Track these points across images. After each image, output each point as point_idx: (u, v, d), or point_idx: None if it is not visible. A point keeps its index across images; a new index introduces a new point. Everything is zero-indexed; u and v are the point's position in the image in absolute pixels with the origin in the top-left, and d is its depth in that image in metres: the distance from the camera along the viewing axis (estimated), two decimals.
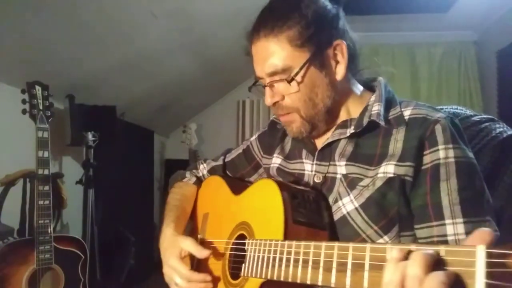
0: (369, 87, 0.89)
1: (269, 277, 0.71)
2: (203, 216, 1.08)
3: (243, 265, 0.80)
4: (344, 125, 0.84)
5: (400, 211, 0.73)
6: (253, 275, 0.76)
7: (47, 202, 1.63)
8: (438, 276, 0.43)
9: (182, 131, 3.78)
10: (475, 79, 3.62)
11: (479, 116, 0.97)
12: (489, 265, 0.40)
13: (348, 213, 0.76)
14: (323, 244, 0.62)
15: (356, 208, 0.76)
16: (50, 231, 1.61)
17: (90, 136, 2.41)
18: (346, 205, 0.77)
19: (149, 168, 3.91)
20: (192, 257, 0.97)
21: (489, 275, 0.40)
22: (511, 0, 2.96)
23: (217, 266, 0.91)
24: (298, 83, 0.79)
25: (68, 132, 2.31)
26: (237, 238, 0.88)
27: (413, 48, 3.75)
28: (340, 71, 0.81)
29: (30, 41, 1.85)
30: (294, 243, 0.68)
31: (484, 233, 0.43)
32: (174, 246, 0.92)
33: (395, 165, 0.74)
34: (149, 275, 3.51)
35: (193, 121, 3.89)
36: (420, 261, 0.45)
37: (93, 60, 2.27)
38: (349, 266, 0.56)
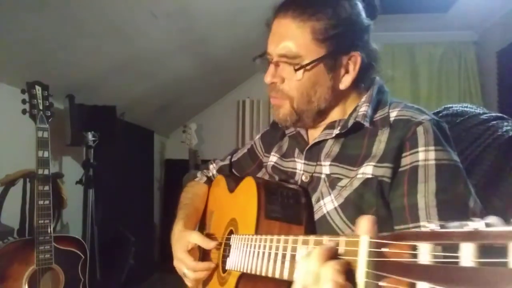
0: (367, 87, 0.88)
1: (243, 269, 0.76)
2: (209, 214, 1.14)
3: (227, 259, 0.86)
4: (332, 125, 0.85)
5: (379, 212, 0.73)
6: (233, 269, 0.81)
7: (47, 202, 1.62)
8: (332, 264, 0.45)
9: (182, 131, 3.78)
10: (475, 79, 3.62)
11: (488, 114, 0.96)
12: (370, 254, 0.41)
13: (328, 212, 0.78)
14: (275, 237, 0.65)
15: (335, 208, 0.77)
16: (50, 231, 1.61)
17: (90, 136, 2.41)
18: (327, 204, 0.78)
19: (149, 168, 3.91)
20: (199, 251, 1.04)
21: (369, 265, 0.41)
22: (511, 0, 2.96)
23: (214, 260, 0.97)
24: (303, 74, 0.79)
25: (68, 132, 2.31)
26: (228, 234, 0.93)
27: (413, 48, 3.76)
28: (345, 81, 0.81)
29: (30, 41, 1.85)
30: (259, 237, 0.72)
31: (368, 222, 0.44)
32: (181, 241, 0.98)
33: (374, 166, 0.74)
34: (149, 275, 3.51)
35: (193, 121, 3.88)
36: (317, 256, 0.47)
37: (93, 60, 2.27)
38: (287, 258, 0.60)
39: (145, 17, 2.17)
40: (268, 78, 0.83)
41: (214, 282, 0.94)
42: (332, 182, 0.79)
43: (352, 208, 0.75)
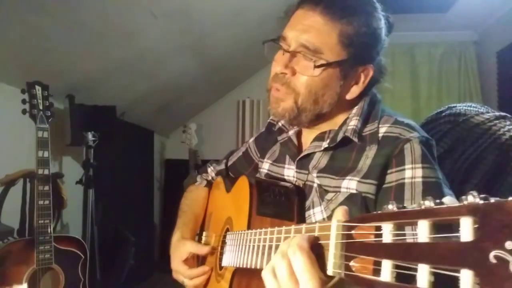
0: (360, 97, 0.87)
1: (236, 265, 0.77)
2: (209, 215, 1.15)
3: (223, 256, 0.88)
4: (322, 137, 0.84)
5: None
6: (228, 265, 0.83)
7: (47, 202, 1.62)
8: (300, 235, 0.48)
9: (182, 131, 3.78)
10: (475, 79, 3.62)
11: (491, 113, 0.95)
12: (339, 237, 0.45)
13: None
14: (263, 230, 0.67)
15: (323, 219, 0.77)
16: (50, 231, 1.61)
17: (90, 136, 2.41)
18: (316, 214, 0.79)
19: (149, 168, 3.91)
20: (196, 257, 1.06)
21: (339, 246, 0.44)
22: (511, 0, 2.96)
23: (212, 259, 0.99)
24: (320, 73, 0.76)
25: (68, 132, 2.31)
26: (225, 233, 0.95)
27: (413, 48, 3.75)
28: (353, 92, 0.80)
29: (30, 41, 1.85)
30: (248, 232, 0.73)
31: (341, 211, 0.47)
32: (177, 251, 1.00)
33: (358, 181, 0.74)
34: (149, 275, 3.51)
35: (193, 121, 3.88)
36: (287, 241, 0.49)
37: (93, 60, 2.27)
38: (273, 249, 0.62)
39: (145, 17, 2.17)
40: (278, 68, 0.78)
41: (213, 281, 0.96)
42: (321, 194, 0.79)
43: None
